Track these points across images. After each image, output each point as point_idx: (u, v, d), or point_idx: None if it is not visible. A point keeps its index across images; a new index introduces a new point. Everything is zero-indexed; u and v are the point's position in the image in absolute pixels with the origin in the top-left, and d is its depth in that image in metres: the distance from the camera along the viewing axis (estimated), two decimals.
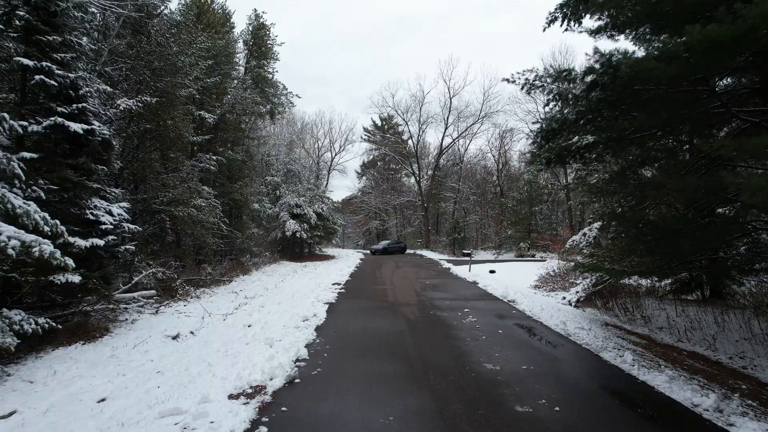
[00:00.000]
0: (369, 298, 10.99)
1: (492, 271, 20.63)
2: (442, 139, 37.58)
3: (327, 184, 57.10)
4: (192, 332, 7.30)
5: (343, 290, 12.27)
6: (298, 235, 23.75)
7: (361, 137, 58.64)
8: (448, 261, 24.98)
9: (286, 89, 23.51)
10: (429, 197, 39.10)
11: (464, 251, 18.09)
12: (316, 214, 25.74)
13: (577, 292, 12.23)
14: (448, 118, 36.71)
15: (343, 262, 23.81)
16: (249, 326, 7.75)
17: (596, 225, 11.99)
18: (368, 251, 33.28)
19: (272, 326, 7.61)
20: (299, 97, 27.02)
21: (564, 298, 12.16)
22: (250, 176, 23.30)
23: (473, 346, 6.34)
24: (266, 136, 37.67)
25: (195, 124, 17.18)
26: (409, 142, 40.78)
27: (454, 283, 14.53)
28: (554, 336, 7.16)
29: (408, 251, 35.07)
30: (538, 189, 29.90)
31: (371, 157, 58.74)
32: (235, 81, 20.20)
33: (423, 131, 38.72)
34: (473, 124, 36.19)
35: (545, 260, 22.26)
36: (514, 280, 17.48)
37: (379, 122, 56.22)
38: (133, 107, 9.71)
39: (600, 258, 8.92)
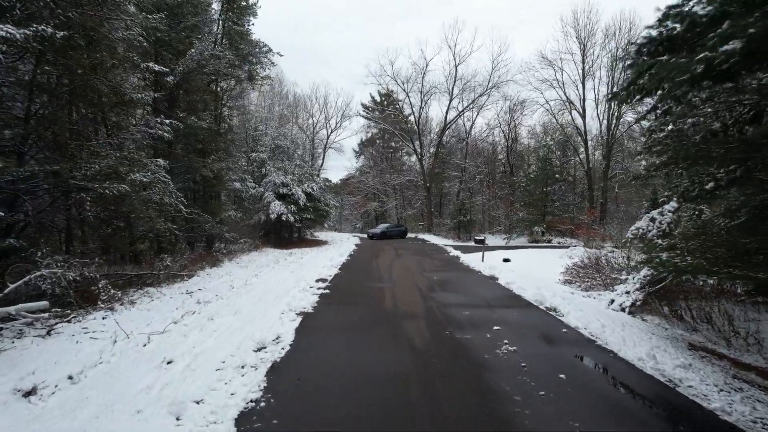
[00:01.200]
0: (359, 304, 8.36)
1: (506, 260, 18.04)
2: (447, 112, 34.45)
3: (323, 163, 54.27)
4: (72, 377, 4.67)
5: (327, 290, 9.65)
6: (284, 218, 21.04)
7: (359, 113, 55.42)
8: (455, 247, 22.35)
9: (266, 47, 20.29)
10: (432, 177, 36.23)
11: (476, 237, 15.56)
12: (306, 194, 22.96)
13: (628, 292, 9.61)
14: (453, 88, 33.51)
15: (336, 249, 21.18)
16: (169, 363, 5.11)
17: (670, 206, 9.23)
18: (365, 235, 30.65)
19: (204, 365, 4.96)
20: (281, 56, 23.83)
21: (612, 301, 9.54)
22: (227, 150, 20.42)
23: (531, 419, 3.71)
24: (249, 106, 34.54)
25: (147, 82, 14.21)
26: (411, 117, 37.62)
27: (468, 278, 11.90)
28: (653, 386, 4.53)
29: (409, 235, 32.47)
30: (551, 167, 27.01)
31: (369, 134, 55.57)
32: (203, 35, 17.05)
33: (426, 103, 35.52)
34: (481, 95, 33.02)
35: (568, 247, 19.62)
36: (535, 271, 14.93)
37: (378, 98, 52.82)
38: (19, 37, 6.78)
39: (686, 252, 6.23)
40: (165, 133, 11.90)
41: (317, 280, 11.09)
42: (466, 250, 21.30)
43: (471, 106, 33.44)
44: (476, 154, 36.58)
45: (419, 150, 36.30)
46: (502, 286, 10.63)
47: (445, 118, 34.43)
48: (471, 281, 11.41)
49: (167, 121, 11.89)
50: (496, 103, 33.70)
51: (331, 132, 54.45)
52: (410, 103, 34.84)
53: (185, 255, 13.75)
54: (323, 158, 53.93)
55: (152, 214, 10.75)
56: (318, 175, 30.83)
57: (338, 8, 72.95)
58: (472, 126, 34.92)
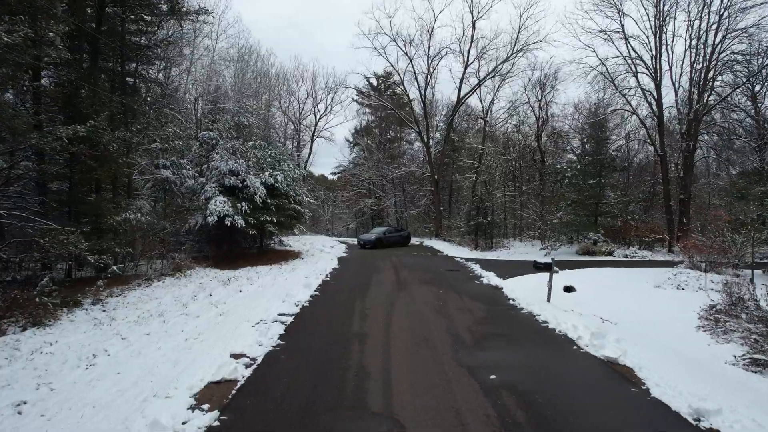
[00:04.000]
0: None
1: (568, 289, 11.85)
2: (460, 84, 28.04)
3: (311, 153, 48.04)
4: None
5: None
6: (228, 221, 14.61)
7: (353, 99, 49.15)
8: (481, 264, 16.00)
9: None
10: (440, 167, 29.86)
11: (538, 262, 9.37)
12: (267, 186, 16.56)
13: None
14: (469, 51, 27.08)
15: (306, 269, 14.84)
16: None
17: None
18: (356, 241, 24.25)
19: None
20: None
21: None
22: (137, 117, 14.08)
23: None
24: (215, 83, 28.16)
25: None
26: (413, 90, 31.13)
27: (559, 366, 5.65)
28: None
29: (413, 241, 26.12)
30: (606, 151, 20.66)
31: (364, 122, 49.42)
32: None
33: (434, 71, 29.04)
34: (505, 60, 26.61)
35: (648, 263, 13.44)
36: (643, 320, 8.79)
37: (374, 81, 46.61)
38: None
39: None
40: None
41: (216, 382, 4.77)
42: (498, 267, 14.99)
43: (492, 74, 27.06)
44: (497, 139, 30.20)
45: (425, 132, 29.89)
46: (648, 392, 4.35)
47: (459, 91, 28.11)
48: (575, 374, 5.12)
49: None
50: (523, 73, 27.46)
51: (320, 118, 48.20)
52: (413, 72, 28.46)
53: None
54: (311, 148, 47.75)
55: None
56: (294, 161, 24.41)
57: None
58: (492, 101, 28.55)
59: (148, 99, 15.74)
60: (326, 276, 13.00)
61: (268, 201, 16.49)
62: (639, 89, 20.59)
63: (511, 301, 9.70)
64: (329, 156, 75.39)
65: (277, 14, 60.04)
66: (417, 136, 42.69)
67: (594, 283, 12.53)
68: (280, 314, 8.20)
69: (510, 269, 15.08)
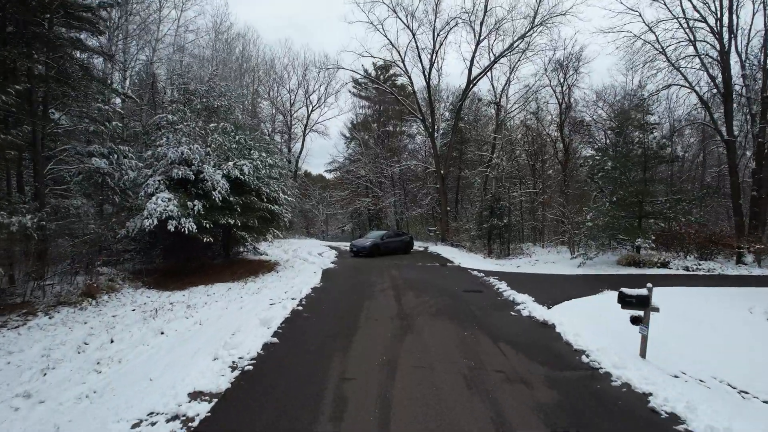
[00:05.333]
0: None
1: (637, 320, 8.20)
2: (471, 64, 24.45)
3: (302, 148, 44.68)
4: None
5: None
6: (171, 226, 11.08)
7: (350, 91, 45.86)
8: (506, 279, 12.50)
9: None
10: (447, 162, 26.33)
11: (626, 292, 6.13)
12: (230, 179, 13.05)
13: None
14: (481, 24, 23.52)
15: (277, 289, 11.33)
16: None
17: None
18: (350, 247, 20.66)
19: None
20: None
21: None
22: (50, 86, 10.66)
23: None
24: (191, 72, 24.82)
25: None
26: (414, 74, 27.66)
27: None
28: None
29: (416, 247, 22.64)
30: (652, 138, 17.11)
31: (361, 117, 46.21)
32: None
33: (441, 47, 25.44)
34: (523, 36, 23.07)
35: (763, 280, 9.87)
36: None
37: (372, 72, 43.39)
38: None
39: None
40: None
41: None
42: (530, 285, 11.49)
43: (509, 51, 23.47)
44: (513, 129, 26.61)
45: (430, 121, 26.33)
46: None
47: (469, 72, 24.51)
48: None
49: None
50: (543, 53, 24.03)
51: (313, 110, 44.87)
52: (417, 49, 24.82)
53: None
54: (303, 143, 44.39)
55: None
56: (274, 149, 20.79)
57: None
58: (508, 83, 24.88)
59: (79, 68, 12.18)
60: (299, 303, 9.46)
61: (231, 199, 12.95)
62: (698, 59, 17.06)
63: (583, 357, 6.17)
64: (324, 154, 71.48)
65: (277, 15, 56.59)
66: (419, 128, 39.34)
67: (676, 312, 8.98)
68: (192, 395, 4.68)
69: (546, 288, 11.56)
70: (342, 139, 47.38)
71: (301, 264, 16.06)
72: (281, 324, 7.68)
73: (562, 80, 25.07)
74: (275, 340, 6.73)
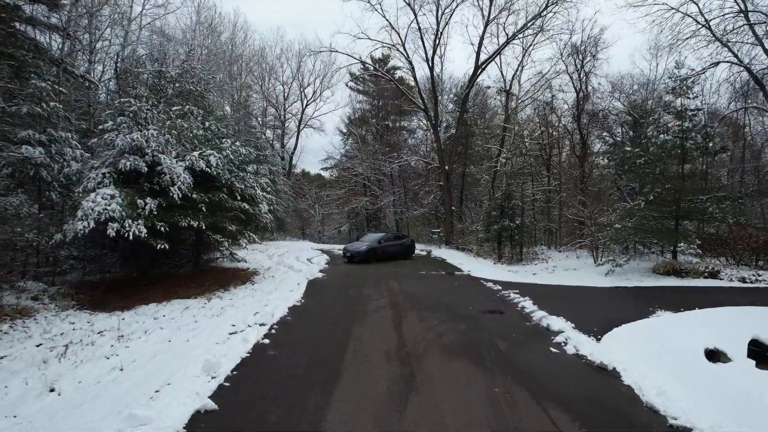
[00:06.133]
0: None
1: (713, 355, 5.92)
2: (479, 47, 22.16)
3: (297, 146, 42.61)
4: None
5: None
6: (112, 230, 8.86)
7: (347, 85, 43.80)
8: (520, 288, 10.29)
9: None
10: (452, 157, 24.11)
11: (764, 343, 4.05)
12: (195, 173, 10.84)
13: None
14: (491, 3, 21.24)
15: (245, 308, 9.16)
16: None
17: None
18: (342, 252, 18.39)
19: None
20: None
21: None
22: None
23: None
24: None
25: None
26: (416, 60, 25.32)
27: None
28: None
29: (417, 251, 20.44)
30: (692, 127, 14.87)
31: (359, 112, 44.19)
32: None
33: (446, 27, 23.19)
34: (538, 16, 20.80)
35: None
36: None
37: (370, 65, 41.38)
38: None
39: None
40: None
41: None
42: (560, 301, 9.35)
43: (522, 30, 21.20)
44: (523, 123, 24.31)
45: (433, 112, 24.08)
46: None
47: (477, 56, 22.25)
48: None
49: None
50: (558, 37, 21.89)
51: (308, 104, 42.76)
52: (419, 30, 22.54)
53: None
54: (297, 138, 42.31)
55: None
56: (255, 139, 18.62)
57: None
58: (519, 68, 22.50)
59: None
60: (268, 331, 7.26)
61: (195, 196, 10.72)
62: (750, 32, 14.82)
63: None
64: (321, 153, 68.79)
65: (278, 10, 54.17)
66: (420, 123, 37.18)
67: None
68: None
69: (581, 307, 9.35)
70: (338, 136, 45.29)
71: (284, 273, 13.83)
72: (233, 371, 5.47)
73: (579, 66, 22.86)
74: (213, 406, 4.50)
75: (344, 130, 44.18)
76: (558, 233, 22.57)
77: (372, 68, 25.65)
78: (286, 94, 42.63)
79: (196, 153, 11.19)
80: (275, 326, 7.60)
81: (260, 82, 39.88)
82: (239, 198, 12.00)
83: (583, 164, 22.08)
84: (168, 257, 14.39)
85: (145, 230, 9.32)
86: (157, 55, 21.35)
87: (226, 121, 14.74)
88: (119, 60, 18.26)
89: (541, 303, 9.46)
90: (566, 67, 22.37)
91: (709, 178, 17.08)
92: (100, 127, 10.33)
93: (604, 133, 25.42)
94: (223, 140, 12.09)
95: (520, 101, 21.90)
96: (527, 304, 9.43)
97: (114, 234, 8.78)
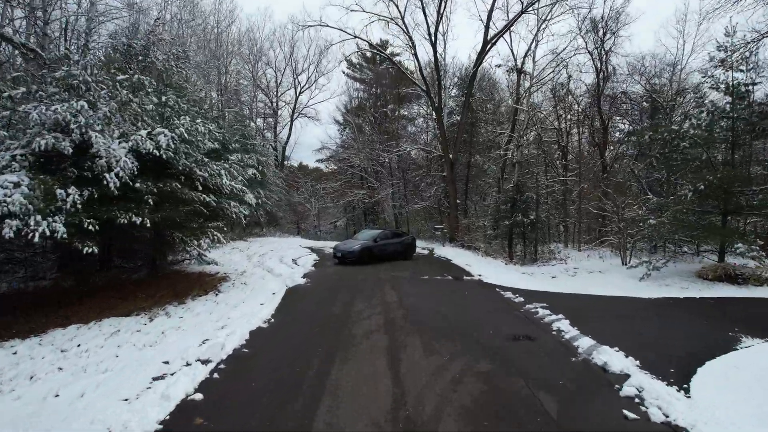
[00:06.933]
0: None
1: None
2: (488, 19, 19.75)
3: (290, 135, 40.50)
4: None
5: None
6: (10, 228, 6.60)
7: (343, 72, 41.68)
8: (547, 300, 8.14)
9: None
10: (456, 145, 21.85)
11: None
12: (143, 156, 8.58)
13: None
14: None
15: (193, 332, 6.98)
16: None
17: None
18: (333, 252, 16.14)
19: None
20: None
21: None
22: None
23: None
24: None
25: None
26: (416, 38, 22.79)
27: None
28: None
29: (419, 250, 18.24)
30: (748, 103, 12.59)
31: (356, 101, 42.07)
32: None
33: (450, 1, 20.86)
34: None
35: None
36: None
37: (367, 53, 39.06)
38: None
39: None
40: None
41: None
42: (601, 321, 7.30)
43: (536, 2, 18.77)
44: (539, 105, 21.95)
45: (436, 95, 21.78)
46: None
47: (486, 31, 19.84)
48: None
49: None
50: (577, 13, 19.51)
51: (302, 92, 40.55)
52: (422, 5, 20.14)
53: None
54: (290, 127, 40.12)
55: None
56: (234, 119, 16.35)
57: None
58: (535, 42, 19.87)
59: None
60: (210, 373, 5.11)
61: (139, 185, 8.49)
62: None
63: None
64: (317, 143, 66.10)
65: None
66: (420, 110, 34.80)
67: None
68: None
69: (635, 329, 7.19)
70: (335, 125, 43.12)
71: (260, 278, 11.63)
72: None
73: (598, 44, 20.51)
74: None
75: (340, 120, 41.97)
76: (575, 229, 20.36)
77: (367, 45, 23.22)
78: (278, 81, 40.26)
79: (143, 132, 8.93)
80: (222, 366, 5.42)
81: (250, 66, 37.43)
82: (200, 188, 9.75)
83: (604, 152, 19.81)
84: (126, 258, 12.23)
85: (63, 229, 7.10)
86: (127, 31, 18.97)
87: (190, 92, 12.38)
88: (66, 26, 15.84)
89: (580, 323, 7.30)
90: (585, 43, 20.02)
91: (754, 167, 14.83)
92: (6, 94, 8.07)
93: (621, 121, 23.17)
94: (182, 117, 9.81)
95: (534, 80, 19.56)
96: (563, 326, 7.26)
97: (12, 235, 6.56)
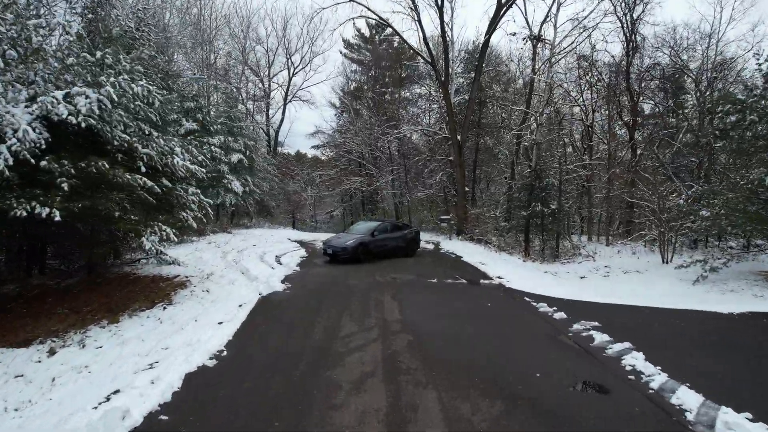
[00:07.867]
0: None
1: None
2: None
3: (283, 119, 37.91)
4: None
5: None
6: None
7: (340, 52, 39.16)
8: (609, 323, 6.03)
9: None
10: (465, 126, 19.47)
11: None
12: (56, 125, 6.25)
13: None
14: None
15: (102, 374, 4.65)
16: None
17: None
18: (323, 248, 13.86)
19: None
20: None
21: None
22: None
23: None
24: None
25: None
26: (422, 9, 20.22)
27: None
28: None
29: (423, 244, 15.96)
30: None
31: (353, 84, 39.64)
32: None
33: None
34: None
35: None
36: None
37: (366, 31, 36.44)
38: None
39: None
40: None
41: None
42: (696, 359, 4.95)
43: None
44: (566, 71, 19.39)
45: (442, 68, 19.31)
46: None
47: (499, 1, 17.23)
48: None
49: None
50: None
51: (295, 73, 37.72)
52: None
53: None
54: (284, 111, 37.45)
55: None
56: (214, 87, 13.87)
57: None
58: (555, 3, 17.05)
59: None
60: None
61: (46, 164, 6.21)
62: None
63: None
64: (312, 128, 63.10)
65: None
66: (423, 87, 32.24)
67: None
68: None
69: (734, 362, 4.98)
70: (330, 109, 40.61)
71: (230, 283, 9.39)
72: None
73: (627, 10, 17.98)
74: None
75: (337, 103, 39.45)
76: (599, 221, 18.09)
77: (369, 35, 20.75)
78: (270, 61, 37.54)
79: (58, 93, 6.62)
80: None
81: (238, 43, 34.65)
82: (144, 168, 7.43)
83: (633, 133, 17.42)
84: (66, 260, 10.01)
85: None
86: None
87: (178, 78, 10.00)
88: None
89: (658, 357, 5.12)
90: (614, 7, 17.46)
91: None
92: None
93: (645, 101, 20.71)
94: (108, 68, 7.43)
95: (555, 50, 17.01)
96: (638, 363, 5.05)
97: None
